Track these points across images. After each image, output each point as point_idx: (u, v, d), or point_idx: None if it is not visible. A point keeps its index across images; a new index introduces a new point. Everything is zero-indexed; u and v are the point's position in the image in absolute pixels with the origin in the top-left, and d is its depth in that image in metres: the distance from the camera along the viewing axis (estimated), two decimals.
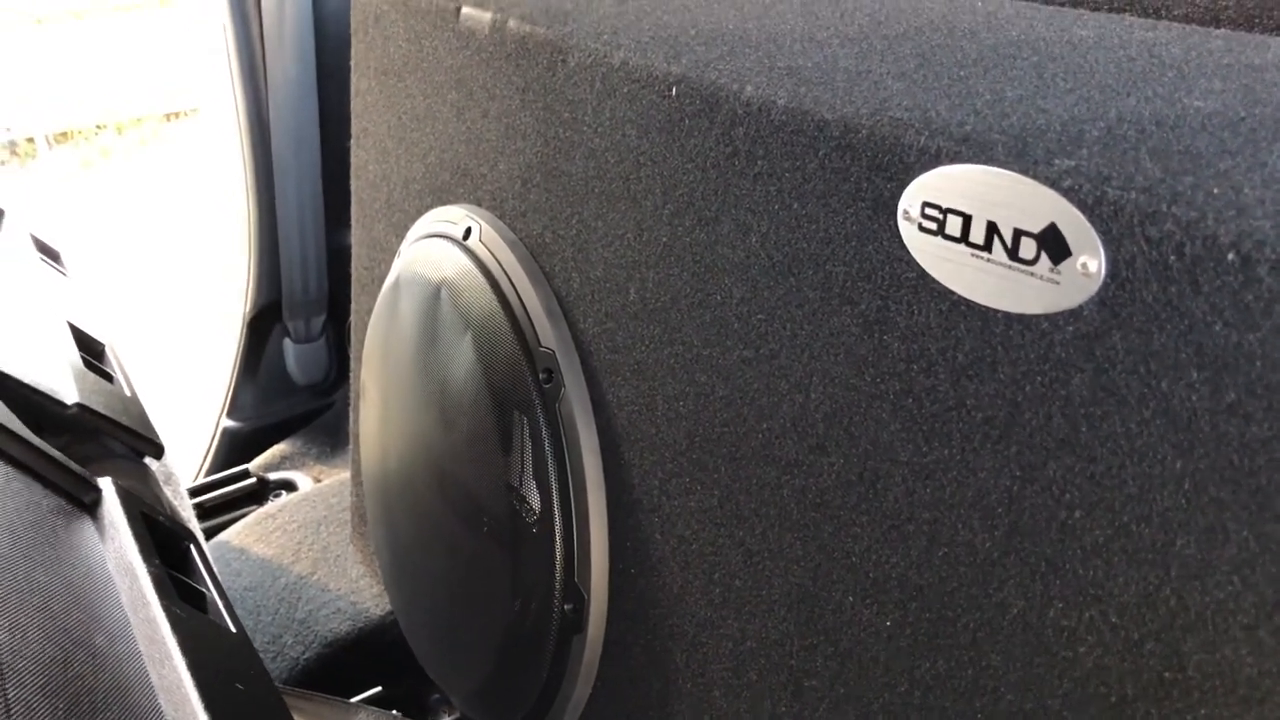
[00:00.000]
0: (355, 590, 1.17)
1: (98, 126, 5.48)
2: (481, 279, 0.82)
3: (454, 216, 0.88)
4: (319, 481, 1.49)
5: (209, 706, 0.51)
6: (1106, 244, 0.42)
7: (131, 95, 5.48)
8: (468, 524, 0.85)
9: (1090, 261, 0.42)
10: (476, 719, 0.93)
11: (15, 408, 0.74)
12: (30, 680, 0.46)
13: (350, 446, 1.22)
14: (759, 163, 0.57)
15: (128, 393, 0.91)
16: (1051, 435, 0.45)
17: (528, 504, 0.78)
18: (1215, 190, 0.40)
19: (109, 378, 0.91)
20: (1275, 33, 0.57)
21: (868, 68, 0.58)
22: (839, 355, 0.55)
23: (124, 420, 0.83)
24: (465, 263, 0.83)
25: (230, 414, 1.58)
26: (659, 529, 0.71)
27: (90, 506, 0.69)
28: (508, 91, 0.79)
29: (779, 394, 0.59)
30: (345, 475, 1.42)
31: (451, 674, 0.94)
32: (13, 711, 0.45)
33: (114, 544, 0.66)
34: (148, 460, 0.86)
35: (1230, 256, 0.38)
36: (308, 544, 1.24)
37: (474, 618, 0.87)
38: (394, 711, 1.05)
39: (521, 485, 0.78)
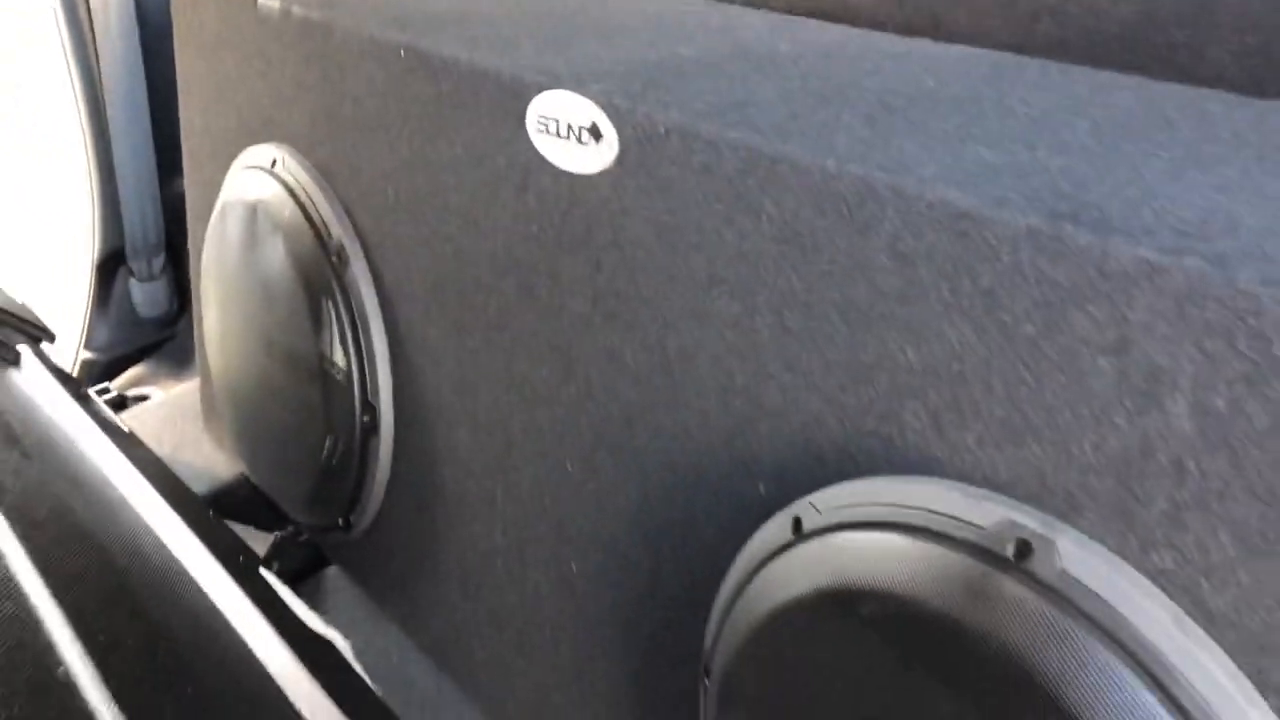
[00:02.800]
0: (211, 464, 1.48)
1: None
2: (286, 195, 1.13)
3: (263, 152, 1.18)
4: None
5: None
6: (619, 132, 0.77)
7: None
8: (293, 378, 1.17)
9: (614, 142, 0.77)
10: (310, 521, 1.25)
11: None
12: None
13: (197, 353, 1.51)
14: (453, 95, 0.91)
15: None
16: (604, 249, 0.81)
17: (332, 360, 1.10)
18: (667, 99, 0.75)
19: None
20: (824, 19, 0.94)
21: (518, 34, 0.92)
22: (505, 211, 0.89)
23: (12, 310, 1.11)
24: (274, 185, 1.14)
25: (87, 346, 1.84)
26: (425, 354, 1.05)
27: (13, 362, 0.98)
28: (296, 58, 1.10)
29: (476, 238, 0.93)
30: (193, 384, 1.70)
31: (287, 491, 1.26)
32: None
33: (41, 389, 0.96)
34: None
35: (661, 131, 0.74)
36: (167, 434, 1.53)
37: (302, 446, 1.19)
38: None
39: (331, 348, 1.10)
